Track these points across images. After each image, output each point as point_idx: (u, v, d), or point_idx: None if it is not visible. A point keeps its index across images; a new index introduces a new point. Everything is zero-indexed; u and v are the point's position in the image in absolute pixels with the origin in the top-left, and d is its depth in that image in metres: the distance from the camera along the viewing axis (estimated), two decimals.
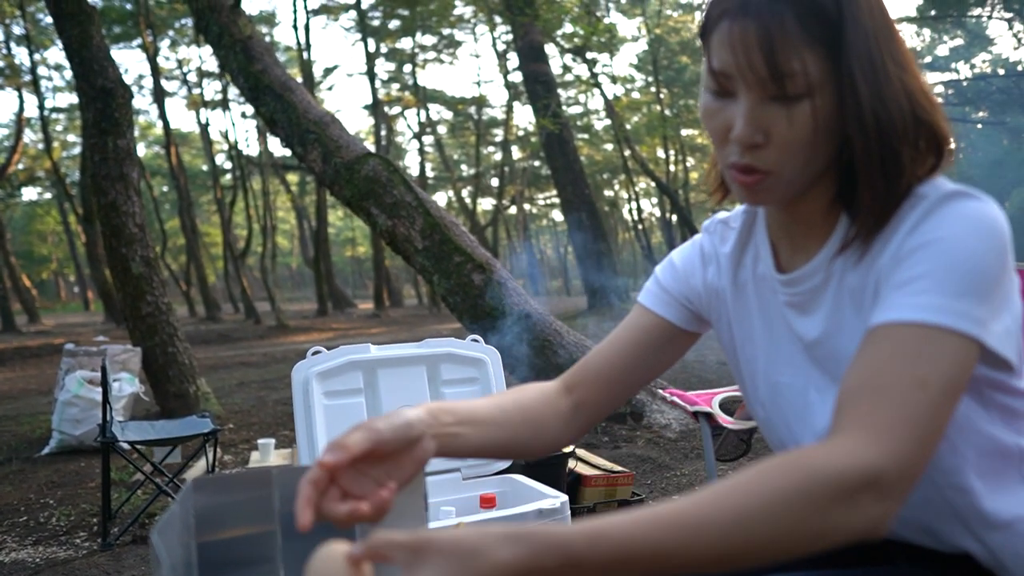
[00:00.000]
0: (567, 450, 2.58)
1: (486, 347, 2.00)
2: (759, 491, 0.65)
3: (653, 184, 25.13)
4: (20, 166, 24.55)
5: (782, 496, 0.65)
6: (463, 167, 31.16)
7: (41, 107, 22.20)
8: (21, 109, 24.21)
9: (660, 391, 2.70)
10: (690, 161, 27.94)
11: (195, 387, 5.41)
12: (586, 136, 26.66)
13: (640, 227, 28.06)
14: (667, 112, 22.50)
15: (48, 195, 33.32)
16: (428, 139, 28.45)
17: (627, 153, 20.90)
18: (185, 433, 3.25)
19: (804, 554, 0.66)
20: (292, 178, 28.90)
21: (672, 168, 26.02)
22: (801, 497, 0.65)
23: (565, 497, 1.69)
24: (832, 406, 0.77)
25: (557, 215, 37.20)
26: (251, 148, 32.40)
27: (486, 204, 31.63)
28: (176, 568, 0.92)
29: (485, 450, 0.98)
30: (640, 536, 0.63)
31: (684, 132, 25.63)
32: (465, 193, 28.22)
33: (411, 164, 29.97)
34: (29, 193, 37.00)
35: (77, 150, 25.09)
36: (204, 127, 25.28)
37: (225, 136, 31.08)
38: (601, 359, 1.07)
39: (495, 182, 28.58)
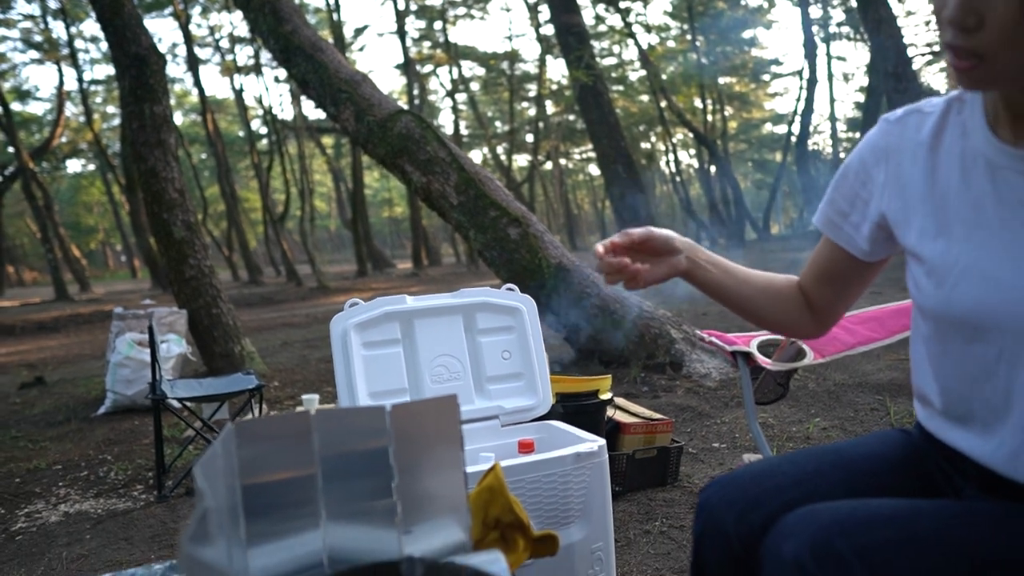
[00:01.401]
0: (605, 397, 2.59)
1: (521, 296, 2.01)
2: None
3: (691, 135, 24.70)
4: (63, 139, 25.04)
5: None
6: (497, 124, 30.90)
7: (80, 80, 22.56)
8: (61, 83, 24.66)
9: (699, 332, 2.68)
10: (728, 110, 27.34)
11: (240, 347, 5.53)
12: (621, 88, 26.17)
13: (678, 179, 27.67)
14: (704, 60, 21.97)
15: (92, 166, 33.98)
16: (461, 97, 28.26)
17: (663, 104, 20.54)
18: (231, 389, 3.33)
19: None
20: (327, 140, 28.99)
21: (710, 118, 25.50)
22: None
23: (603, 441, 1.70)
24: None
25: (593, 169, 36.85)
26: (285, 112, 32.57)
27: (521, 160, 31.45)
28: (220, 510, 0.95)
29: (723, 294, 1.19)
30: None
31: (722, 80, 25.03)
32: (500, 150, 28.03)
33: (445, 122, 29.80)
34: (73, 165, 37.87)
35: (117, 121, 25.45)
36: (238, 93, 25.40)
37: (259, 101, 31.22)
38: (810, 279, 1.18)
39: (530, 138, 28.33)
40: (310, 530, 0.96)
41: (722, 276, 1.18)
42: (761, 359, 1.84)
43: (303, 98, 22.36)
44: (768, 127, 31.15)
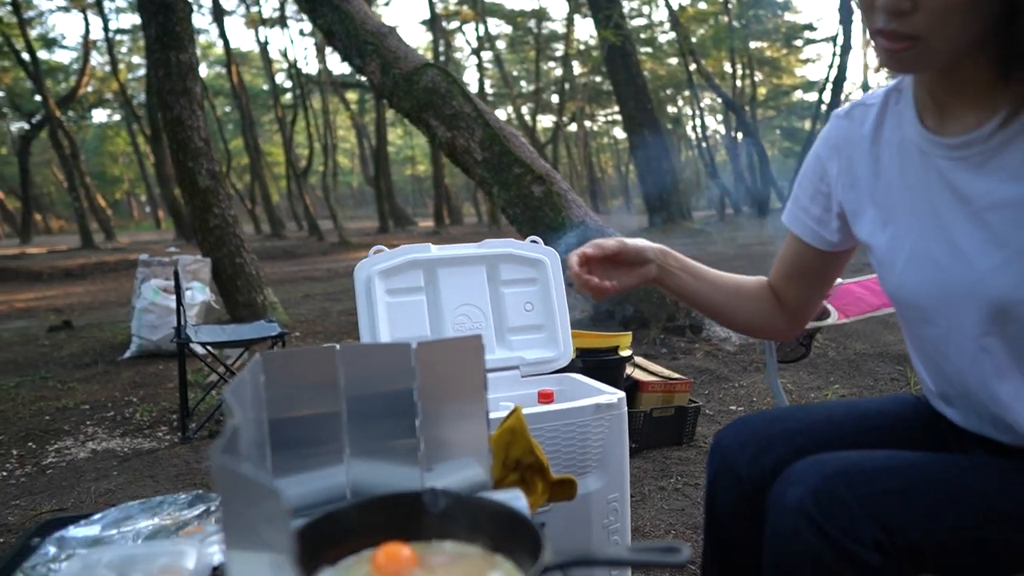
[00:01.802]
0: (625, 354, 2.60)
1: (545, 248, 2.00)
2: None
3: (719, 100, 24.29)
4: (89, 88, 25.12)
5: None
6: (523, 83, 30.56)
7: (106, 29, 22.60)
8: (87, 31, 24.63)
9: None
10: (758, 76, 26.82)
11: (263, 296, 5.59)
12: (649, 50, 25.72)
13: (704, 144, 27.31)
14: (735, 23, 21.50)
15: (117, 117, 34.13)
16: (487, 55, 27.91)
17: (692, 67, 20.17)
18: (254, 336, 3.38)
19: None
20: (351, 96, 28.87)
21: (739, 83, 25.03)
22: None
23: (622, 393, 1.71)
24: (1012, 272, 0.85)
25: (618, 132, 36.43)
26: (310, 66, 32.38)
27: (546, 121, 31.14)
28: (248, 431, 0.97)
29: (695, 299, 1.23)
30: None
31: (753, 45, 24.51)
32: (525, 110, 27.73)
33: (470, 81, 29.48)
34: (99, 115, 38.02)
35: (142, 72, 25.45)
36: (263, 46, 25.33)
37: (284, 54, 31.09)
38: (780, 277, 1.21)
39: (555, 99, 27.99)
40: (334, 465, 0.97)
41: (693, 282, 1.22)
42: None
43: (328, 52, 22.22)
44: (798, 94, 30.53)
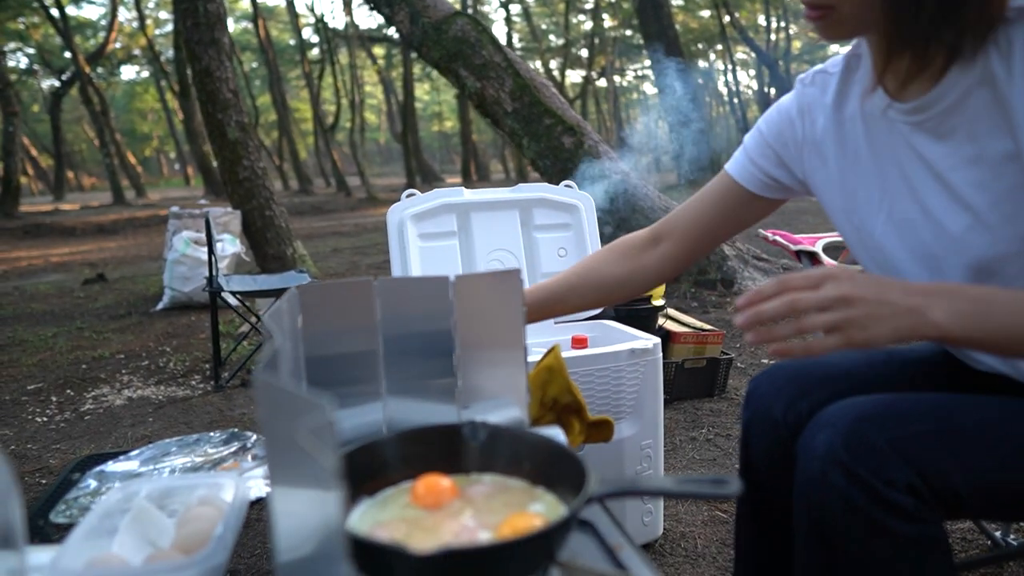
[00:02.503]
0: (658, 303, 2.56)
1: (580, 193, 1.96)
2: None
3: (752, 54, 23.70)
4: (118, 44, 25.15)
5: None
6: (551, 37, 30.03)
7: None
8: None
9: (762, 232, 2.60)
10: (793, 28, 26.09)
11: (292, 249, 5.61)
12: (681, 2, 25.10)
13: (736, 100, 26.74)
14: None
15: (145, 73, 34.20)
16: (515, 8, 27.43)
17: (726, 20, 19.66)
18: (285, 285, 3.39)
19: None
20: (378, 51, 28.60)
21: (773, 37, 24.39)
22: None
23: (657, 339, 1.68)
24: (983, 232, 0.85)
25: (648, 88, 35.77)
26: (337, 21, 32.08)
27: (575, 77, 30.66)
28: (287, 353, 0.96)
29: (569, 312, 1.25)
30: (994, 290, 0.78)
31: None
32: (553, 64, 27.32)
33: (498, 34, 29.05)
34: (128, 72, 38.12)
35: (169, 27, 25.38)
36: (290, 0, 25.06)
37: (311, 9, 30.82)
38: (686, 217, 1.20)
39: (584, 53, 27.51)
40: (371, 402, 0.96)
41: (555, 310, 1.23)
42: (827, 260, 1.78)
43: (355, 5, 21.95)
44: (834, 48, 29.72)
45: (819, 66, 1.06)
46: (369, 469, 0.79)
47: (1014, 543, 1.67)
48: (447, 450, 0.83)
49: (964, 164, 0.87)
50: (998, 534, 1.68)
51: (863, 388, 1.02)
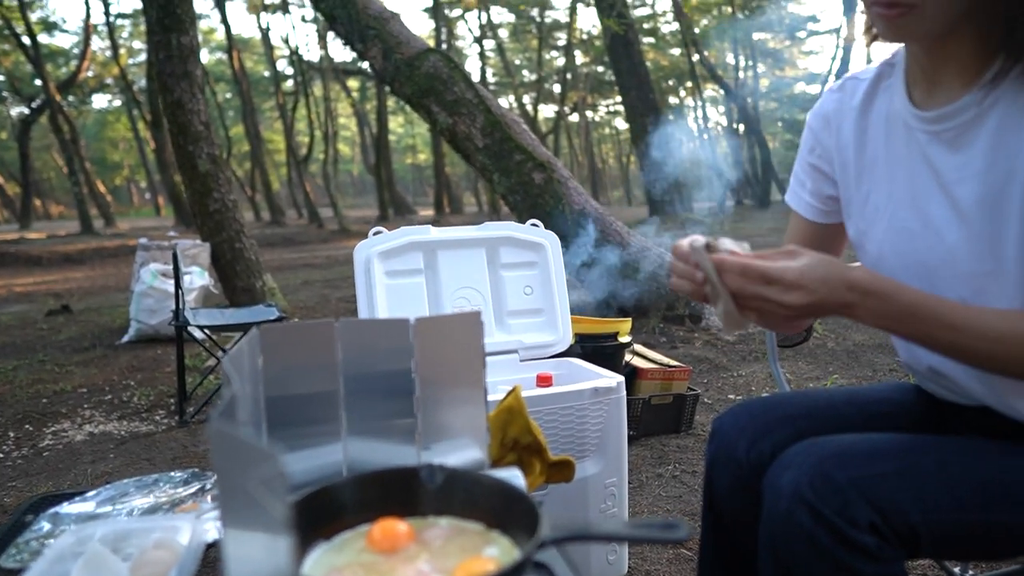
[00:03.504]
0: (624, 339, 2.59)
1: (546, 232, 1.99)
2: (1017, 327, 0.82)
3: (721, 91, 24.20)
4: (90, 73, 25.02)
5: None
6: (525, 73, 30.42)
7: (107, 12, 22.39)
8: (88, 15, 24.47)
9: None
10: (760, 67, 26.71)
11: (261, 282, 5.57)
12: (652, 40, 25.59)
13: (705, 136, 27.21)
14: (739, 15, 21.40)
15: (117, 102, 33.99)
16: (489, 43, 27.80)
17: (695, 58, 20.08)
18: (253, 320, 3.37)
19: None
20: (353, 83, 28.74)
21: (741, 75, 24.94)
22: None
23: (621, 377, 1.70)
24: (975, 246, 0.88)
25: (620, 123, 36.30)
26: (312, 53, 32.25)
27: (548, 111, 31.04)
28: (246, 399, 0.96)
29: None
30: (927, 302, 0.83)
31: (756, 36, 24.40)
32: (527, 99, 27.64)
33: (472, 69, 29.36)
34: (100, 101, 37.89)
35: (143, 57, 25.32)
36: (265, 32, 25.22)
37: (286, 41, 30.95)
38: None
39: (557, 88, 27.88)
40: (331, 443, 0.96)
41: None
42: None
43: (330, 38, 22.12)
44: (801, 86, 30.44)
45: (849, 73, 1.09)
46: (326, 512, 0.79)
47: None
48: (404, 493, 0.83)
49: (972, 177, 0.88)
50: (957, 570, 1.71)
51: (825, 428, 1.05)
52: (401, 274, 1.86)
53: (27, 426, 3.24)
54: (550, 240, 1.97)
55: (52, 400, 3.66)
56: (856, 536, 0.83)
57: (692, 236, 0.91)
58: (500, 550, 0.74)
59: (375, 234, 1.87)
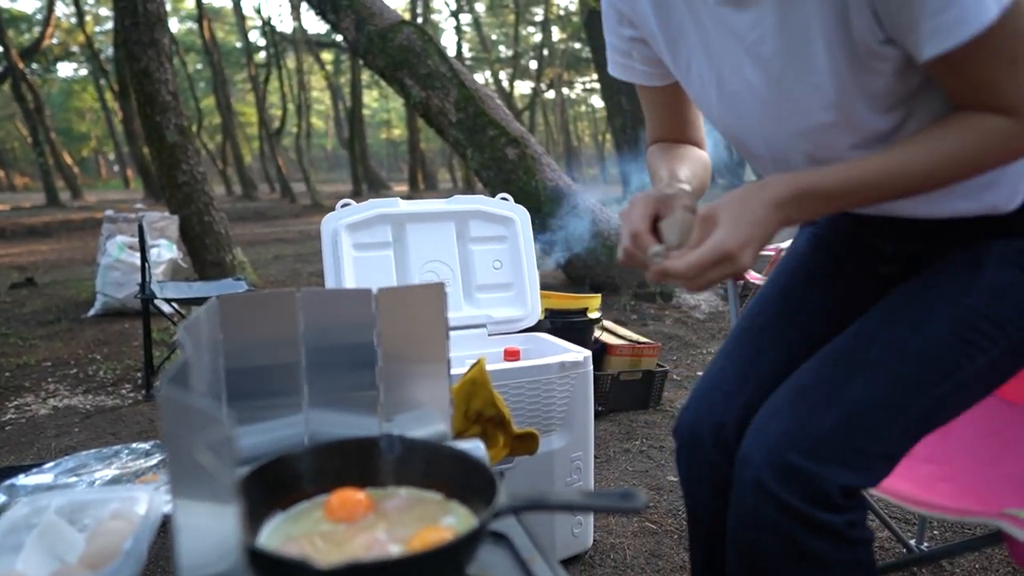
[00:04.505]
0: (594, 315, 2.60)
1: (515, 206, 1.98)
2: (950, 141, 0.83)
3: None
4: (54, 40, 24.35)
5: (967, 142, 0.82)
6: (501, 48, 30.19)
7: None
8: None
9: None
10: None
11: (231, 256, 5.51)
12: None
13: None
14: None
15: (84, 71, 33.20)
16: (466, 17, 27.52)
17: None
18: (220, 293, 3.32)
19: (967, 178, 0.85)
20: (327, 56, 28.31)
21: None
22: (978, 145, 0.82)
23: (588, 352, 1.71)
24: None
25: (596, 101, 36.21)
26: (284, 24, 31.69)
27: (524, 88, 30.85)
28: (203, 388, 0.95)
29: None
30: (849, 173, 0.83)
31: None
32: (503, 75, 27.46)
33: (448, 44, 29.10)
34: (65, 70, 36.93)
35: (110, 25, 24.71)
36: (236, 1, 24.65)
37: (258, 11, 30.36)
38: (667, 128, 1.15)
39: (533, 64, 27.71)
40: (292, 415, 0.96)
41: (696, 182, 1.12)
42: (751, 275, 1.83)
43: (303, 10, 21.75)
44: None
45: None
46: (283, 483, 0.78)
47: (926, 549, 1.74)
48: (363, 463, 0.83)
49: (768, 35, 0.87)
50: (912, 541, 1.75)
51: (762, 385, 1.03)
52: (369, 247, 1.84)
53: None
54: (520, 214, 1.97)
55: (15, 374, 3.60)
56: (826, 519, 0.84)
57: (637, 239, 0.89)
58: (458, 519, 0.74)
59: (343, 206, 1.85)
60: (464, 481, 0.78)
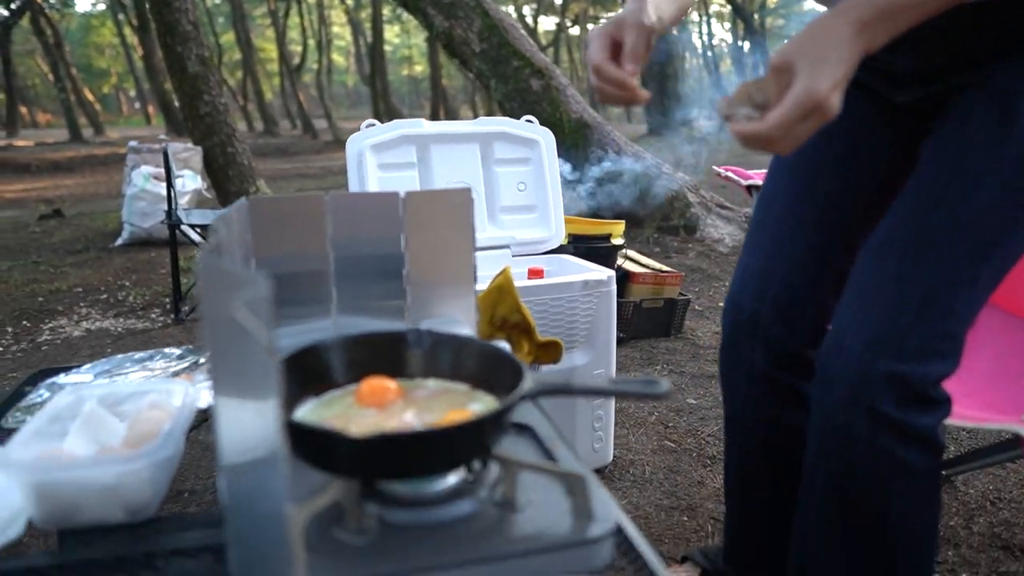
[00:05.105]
0: (617, 242, 2.60)
1: (540, 128, 1.97)
2: None
3: (727, 6, 23.51)
4: None
5: None
6: None
7: None
8: None
9: (716, 168, 2.64)
10: None
11: (255, 187, 5.54)
12: None
13: (709, 53, 26.61)
14: None
15: (102, 6, 32.90)
16: None
17: None
18: None
19: None
20: None
21: None
22: None
23: (611, 271, 1.72)
24: None
25: None
26: None
27: (548, 24, 30.18)
28: (233, 246, 0.97)
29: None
30: None
31: None
32: (526, 10, 26.85)
33: None
34: (83, 4, 36.61)
35: None
36: None
37: None
38: None
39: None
40: (321, 319, 0.98)
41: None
42: None
43: None
44: (810, 3, 29.62)
45: None
46: (315, 371, 0.81)
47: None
48: (392, 356, 0.85)
49: None
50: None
51: (787, 271, 1.05)
52: (393, 167, 1.84)
53: (24, 322, 3.28)
54: (544, 137, 1.95)
55: (48, 299, 3.69)
56: (920, 425, 0.86)
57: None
58: (483, 405, 0.77)
59: (368, 127, 1.85)
60: (490, 372, 0.80)
